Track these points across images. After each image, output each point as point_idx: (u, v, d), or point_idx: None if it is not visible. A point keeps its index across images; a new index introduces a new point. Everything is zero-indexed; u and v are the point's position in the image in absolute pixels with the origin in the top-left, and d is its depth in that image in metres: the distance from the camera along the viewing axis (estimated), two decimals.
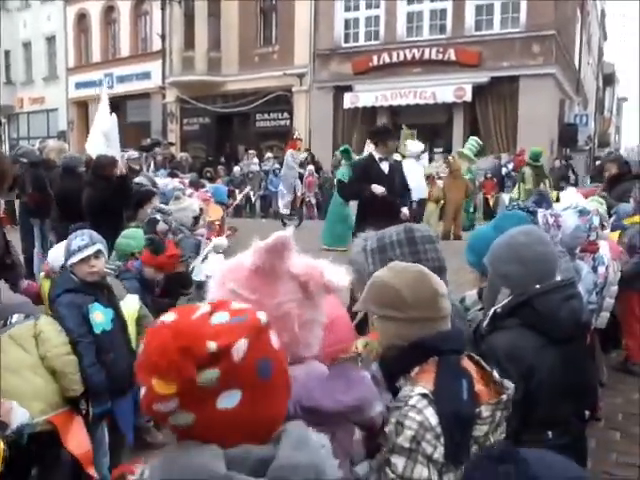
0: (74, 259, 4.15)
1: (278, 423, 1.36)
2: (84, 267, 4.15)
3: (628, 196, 7.23)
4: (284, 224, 16.89)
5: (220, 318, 1.32)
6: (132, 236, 5.93)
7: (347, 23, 26.31)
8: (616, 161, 9.26)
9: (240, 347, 1.27)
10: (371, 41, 25.76)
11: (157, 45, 30.94)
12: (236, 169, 23.35)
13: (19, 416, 3.28)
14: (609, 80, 50.80)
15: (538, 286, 2.73)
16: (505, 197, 18.58)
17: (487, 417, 2.04)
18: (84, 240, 4.18)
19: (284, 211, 17.71)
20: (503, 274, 2.83)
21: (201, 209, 9.54)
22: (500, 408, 2.09)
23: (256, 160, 23.69)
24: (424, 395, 1.99)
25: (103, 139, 10.45)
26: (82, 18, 35.15)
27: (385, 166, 8.01)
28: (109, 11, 33.85)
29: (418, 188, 11.71)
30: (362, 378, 1.91)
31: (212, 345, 1.24)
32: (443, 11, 24.26)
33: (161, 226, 6.76)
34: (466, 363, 2.17)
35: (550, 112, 23.29)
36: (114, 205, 7.60)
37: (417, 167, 12.56)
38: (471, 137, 11.33)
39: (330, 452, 1.39)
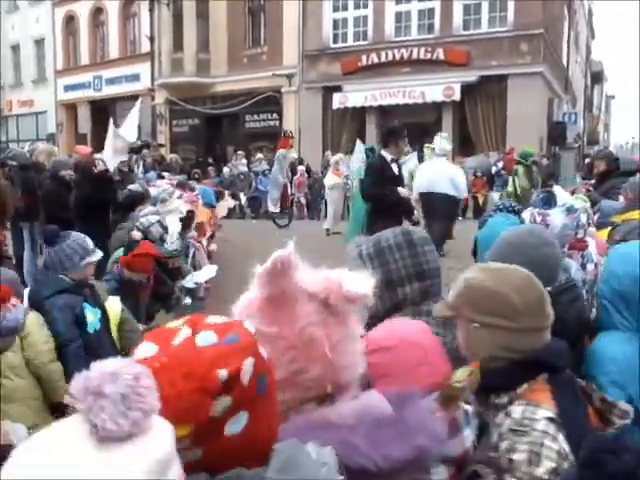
0: (94, 258, 4.31)
1: (274, 440, 1.30)
2: (91, 268, 4.25)
3: (613, 192, 7.24)
4: (275, 223, 17.08)
5: (207, 339, 1.24)
6: None
7: (335, 23, 26.31)
8: (605, 158, 9.26)
9: (247, 369, 1.22)
10: (360, 41, 25.77)
11: (146, 47, 30.83)
12: (225, 170, 23.35)
13: (19, 433, 3.20)
14: (597, 78, 51.01)
15: (549, 288, 2.69)
16: (495, 195, 18.63)
17: None
18: (91, 243, 4.32)
19: (273, 209, 17.78)
20: None
21: (192, 212, 9.56)
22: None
23: (244, 161, 23.69)
24: (551, 419, 1.78)
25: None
26: (70, 20, 35.02)
27: (395, 167, 8.02)
28: (97, 13, 33.70)
29: (463, 187, 11.43)
30: (427, 415, 1.59)
31: (223, 373, 1.17)
32: (431, 11, 24.30)
33: (135, 234, 6.81)
34: None
35: (539, 110, 23.35)
36: (99, 204, 7.65)
37: (452, 165, 12.21)
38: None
39: (334, 469, 1.30)
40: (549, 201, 6.97)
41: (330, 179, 16.96)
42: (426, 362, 1.94)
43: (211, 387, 1.17)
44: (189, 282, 8.01)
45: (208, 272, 8.48)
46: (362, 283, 1.53)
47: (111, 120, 11.13)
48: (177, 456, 1.06)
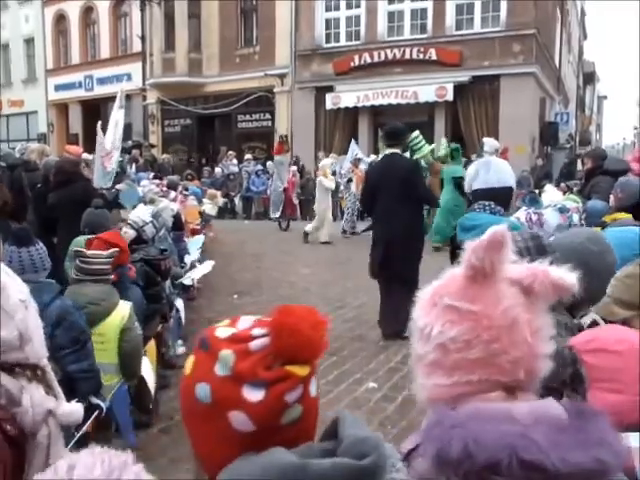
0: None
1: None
2: None
3: (594, 191, 7.17)
4: (280, 226, 17.63)
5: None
6: None
7: (328, 23, 26.25)
8: (594, 156, 9.03)
9: None
10: (352, 41, 25.71)
11: (137, 46, 30.75)
12: (217, 170, 23.33)
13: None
14: (590, 78, 51.20)
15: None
16: None
17: None
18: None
19: (275, 214, 18.28)
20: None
21: (179, 214, 9.51)
22: None
23: (235, 161, 23.66)
24: None
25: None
26: (61, 19, 34.84)
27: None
28: (88, 12, 33.54)
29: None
30: (609, 431, 1.42)
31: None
32: (424, 10, 24.26)
33: (128, 231, 6.73)
34: None
35: (531, 111, 23.36)
36: (81, 204, 7.57)
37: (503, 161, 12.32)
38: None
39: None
40: (533, 203, 7.00)
41: (327, 182, 16.71)
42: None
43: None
44: (186, 279, 8.05)
45: (204, 268, 8.57)
46: (568, 274, 1.44)
47: (98, 124, 10.79)
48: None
